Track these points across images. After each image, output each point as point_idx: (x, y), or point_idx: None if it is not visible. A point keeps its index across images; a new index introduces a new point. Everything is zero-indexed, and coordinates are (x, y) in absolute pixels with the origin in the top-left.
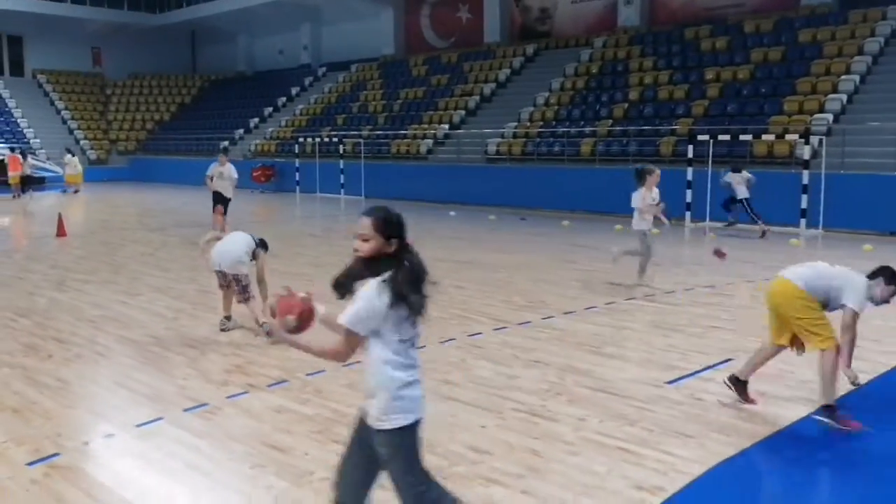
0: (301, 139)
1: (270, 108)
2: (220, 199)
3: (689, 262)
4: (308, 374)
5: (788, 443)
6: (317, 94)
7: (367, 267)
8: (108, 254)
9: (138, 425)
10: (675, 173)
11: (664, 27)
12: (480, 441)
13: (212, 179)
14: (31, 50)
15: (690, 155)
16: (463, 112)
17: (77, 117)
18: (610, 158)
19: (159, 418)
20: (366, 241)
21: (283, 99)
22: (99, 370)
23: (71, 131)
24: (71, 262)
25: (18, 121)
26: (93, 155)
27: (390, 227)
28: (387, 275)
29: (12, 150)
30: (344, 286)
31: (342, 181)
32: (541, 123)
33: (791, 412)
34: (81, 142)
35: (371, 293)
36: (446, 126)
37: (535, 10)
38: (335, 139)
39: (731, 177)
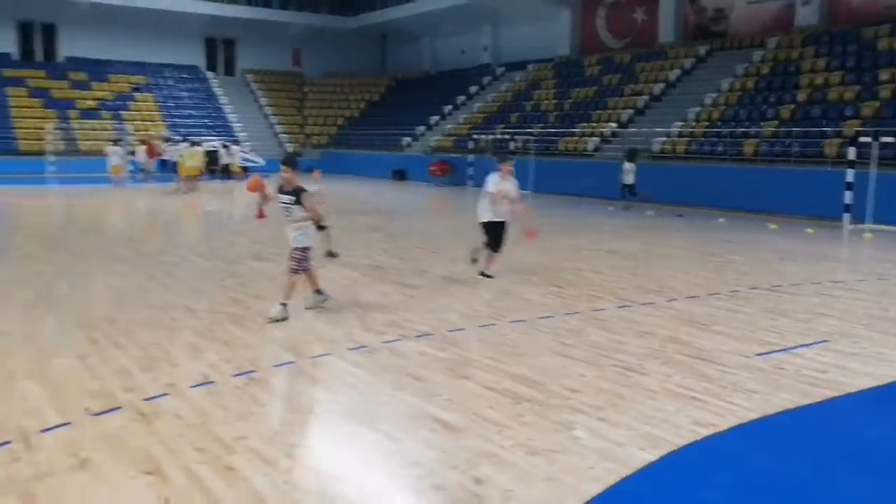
0: (476, 136)
1: (450, 106)
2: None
3: (831, 260)
4: (449, 331)
5: (857, 407)
6: (494, 92)
7: None
8: None
9: (313, 357)
10: (836, 175)
11: (842, 26)
12: (577, 384)
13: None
14: (241, 52)
15: (852, 157)
16: (631, 111)
17: (277, 113)
18: (772, 159)
19: (329, 353)
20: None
21: (463, 97)
22: (285, 322)
23: (271, 125)
24: (267, 238)
25: (228, 116)
26: (290, 148)
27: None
28: None
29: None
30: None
31: None
32: (706, 123)
33: (861, 381)
34: (280, 135)
35: None
36: (614, 124)
37: (710, 11)
38: (507, 136)
39: None
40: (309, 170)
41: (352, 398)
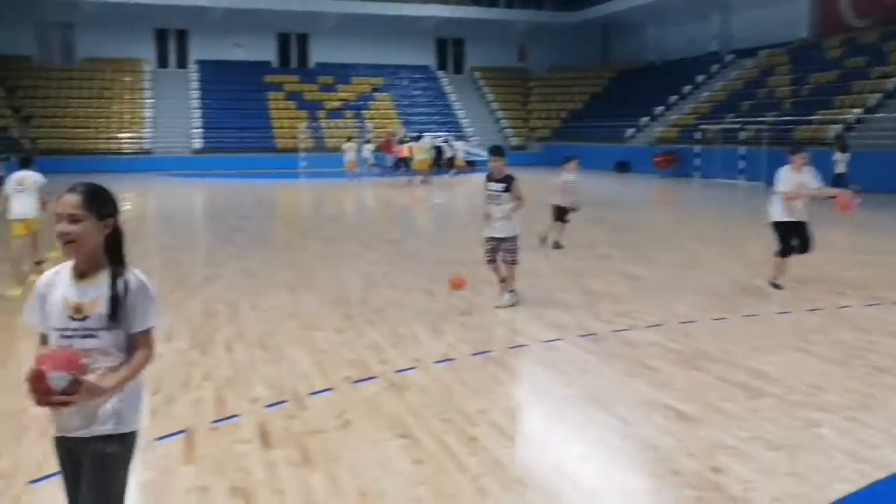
0: (703, 126)
1: (676, 97)
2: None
3: None
4: (680, 323)
5: None
6: (722, 81)
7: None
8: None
9: (544, 341)
10: None
11: None
12: (820, 381)
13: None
14: (470, 51)
15: None
16: (880, 95)
17: (503, 108)
18: None
19: (560, 339)
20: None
21: (689, 87)
22: (516, 307)
23: (497, 120)
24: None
25: (456, 112)
26: (514, 141)
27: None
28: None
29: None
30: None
31: (741, 167)
32: None
33: None
34: (505, 129)
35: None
36: (859, 110)
37: None
38: (737, 125)
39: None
40: (567, 159)
41: (585, 382)
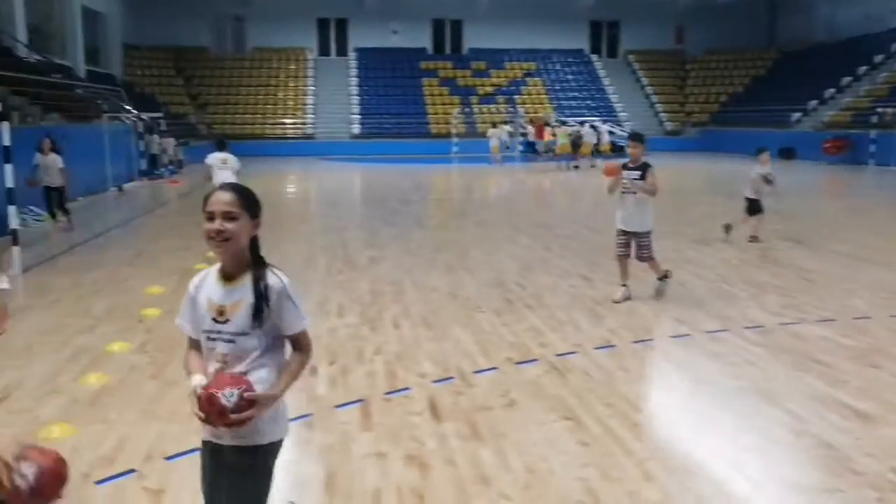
0: (880, 109)
1: (849, 78)
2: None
3: None
4: (854, 318)
5: None
6: None
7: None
8: (681, 211)
9: (708, 332)
10: None
11: None
12: None
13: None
14: (624, 33)
15: None
16: None
17: (658, 92)
18: None
19: (724, 329)
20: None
21: (864, 67)
22: (679, 296)
23: (652, 105)
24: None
25: (610, 97)
26: (669, 126)
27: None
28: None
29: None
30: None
31: None
32: None
33: None
34: (660, 114)
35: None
36: None
37: None
38: None
39: None
40: (760, 150)
41: (752, 374)
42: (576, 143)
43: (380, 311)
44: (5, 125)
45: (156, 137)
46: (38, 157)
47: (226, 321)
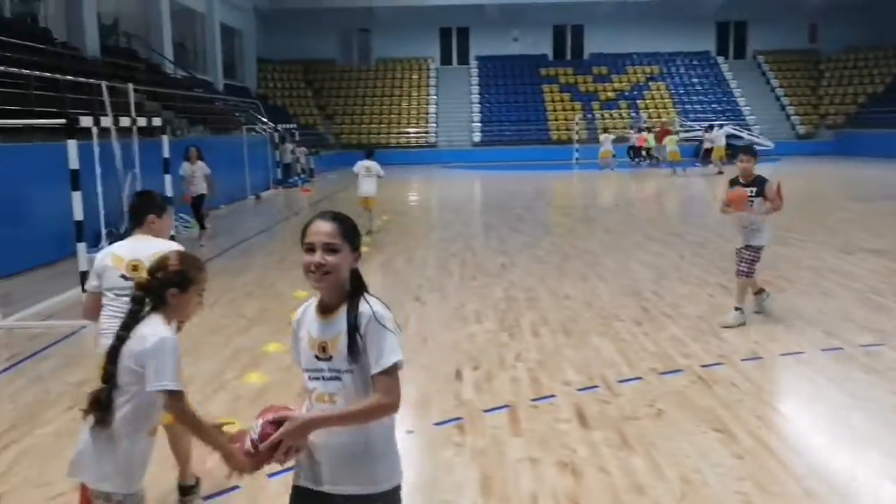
0: None
1: None
2: None
3: None
4: None
5: None
6: None
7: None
8: (819, 218)
9: (862, 345)
10: None
11: None
12: None
13: None
14: (753, 33)
15: None
16: None
17: (789, 94)
18: None
19: (881, 344)
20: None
21: None
22: (826, 308)
23: (783, 108)
24: (789, 222)
25: (737, 100)
26: (801, 130)
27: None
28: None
29: (710, 127)
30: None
31: None
32: None
33: None
34: (791, 117)
35: (389, 316)
36: None
37: None
38: None
39: None
40: None
41: None
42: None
43: (516, 317)
44: (165, 138)
45: (290, 147)
46: (184, 166)
47: (329, 357)
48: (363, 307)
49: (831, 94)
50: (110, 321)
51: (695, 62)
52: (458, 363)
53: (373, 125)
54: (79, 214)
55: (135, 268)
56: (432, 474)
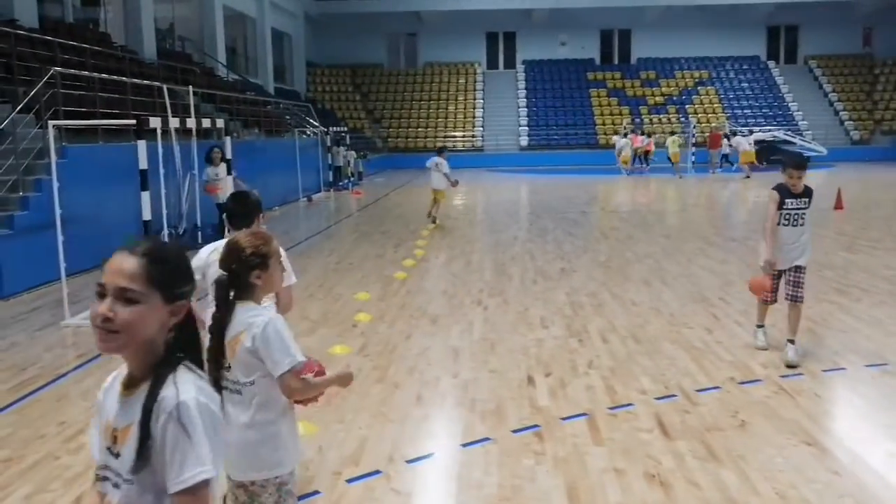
0: None
1: None
2: None
3: None
4: None
5: None
6: None
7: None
8: (884, 225)
9: None
10: None
11: None
12: None
13: None
14: (804, 38)
15: None
16: None
17: (843, 99)
18: None
19: None
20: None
21: None
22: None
23: (836, 113)
24: (854, 230)
25: (789, 105)
26: (855, 135)
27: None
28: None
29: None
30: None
31: None
32: None
33: None
34: (845, 123)
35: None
36: None
37: None
38: None
39: None
40: None
41: None
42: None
43: (584, 323)
44: (228, 139)
45: (342, 150)
46: (207, 170)
47: (117, 454)
48: (166, 391)
49: (887, 99)
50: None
51: (745, 66)
52: (529, 369)
53: (419, 129)
54: (147, 214)
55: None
56: (516, 484)
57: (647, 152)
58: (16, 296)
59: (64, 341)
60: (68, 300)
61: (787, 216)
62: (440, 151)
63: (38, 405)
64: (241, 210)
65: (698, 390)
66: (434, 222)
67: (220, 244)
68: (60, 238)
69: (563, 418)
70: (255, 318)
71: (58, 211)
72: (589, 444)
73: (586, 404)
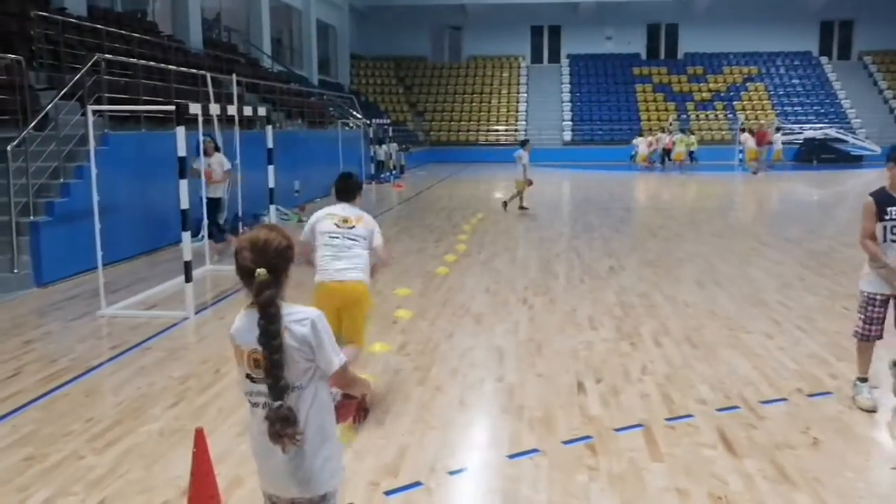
0: None
1: None
2: None
3: None
4: None
5: None
6: None
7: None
8: None
9: None
10: None
11: None
12: None
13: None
14: (859, 33)
15: None
16: None
17: None
18: None
19: None
20: None
21: None
22: None
23: (891, 110)
24: None
25: (842, 102)
26: None
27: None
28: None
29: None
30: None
31: None
32: None
33: None
34: None
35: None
36: None
37: None
38: None
39: None
40: None
41: None
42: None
43: (635, 325)
44: (269, 128)
45: (384, 147)
46: (199, 160)
47: None
48: None
49: None
50: (323, 257)
51: (796, 62)
52: (579, 374)
53: (462, 122)
54: (185, 203)
55: (345, 220)
56: (568, 502)
57: (667, 150)
58: (54, 284)
59: (98, 332)
60: (105, 290)
61: (894, 229)
62: (523, 144)
63: (65, 400)
64: (344, 186)
65: (763, 402)
66: (521, 208)
67: (329, 209)
68: (98, 226)
69: (617, 429)
70: (299, 316)
71: (95, 198)
72: (647, 460)
73: (641, 414)
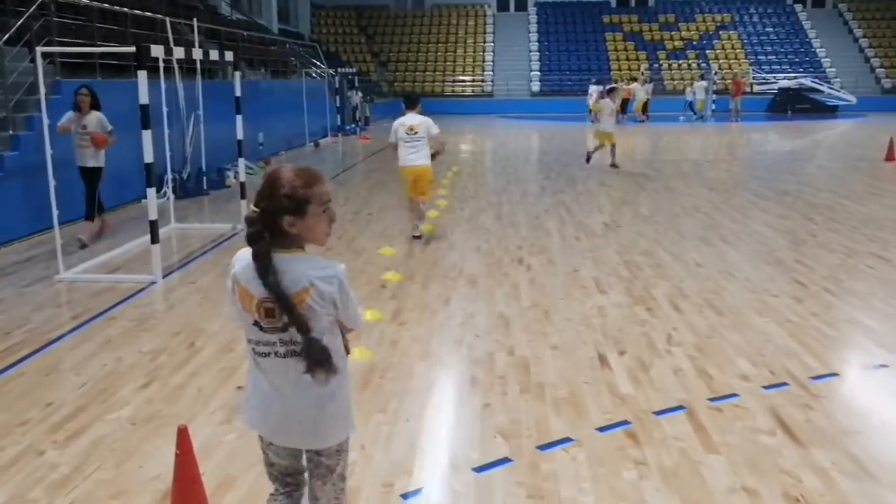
0: None
1: None
2: None
3: None
4: None
5: None
6: None
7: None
8: None
9: None
10: None
11: None
12: None
13: None
14: None
15: None
16: None
17: (874, 45)
18: None
19: None
20: None
21: None
22: None
23: (867, 59)
24: None
25: (816, 51)
26: (887, 83)
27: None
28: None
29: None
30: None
31: None
32: None
33: None
34: (876, 70)
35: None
36: None
37: None
38: None
39: None
40: None
41: None
42: None
43: (647, 287)
44: (237, 75)
45: (354, 93)
46: (69, 116)
47: None
48: None
49: None
50: (403, 149)
51: (769, 10)
52: (598, 344)
53: (427, 73)
54: (149, 156)
55: (411, 128)
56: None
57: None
58: (6, 245)
59: (57, 299)
60: (62, 252)
61: None
62: (609, 91)
63: (21, 380)
64: (408, 100)
65: (812, 377)
66: (613, 165)
67: (403, 119)
68: (52, 182)
69: (657, 412)
70: (326, 272)
71: (49, 151)
72: (700, 451)
73: (680, 393)
